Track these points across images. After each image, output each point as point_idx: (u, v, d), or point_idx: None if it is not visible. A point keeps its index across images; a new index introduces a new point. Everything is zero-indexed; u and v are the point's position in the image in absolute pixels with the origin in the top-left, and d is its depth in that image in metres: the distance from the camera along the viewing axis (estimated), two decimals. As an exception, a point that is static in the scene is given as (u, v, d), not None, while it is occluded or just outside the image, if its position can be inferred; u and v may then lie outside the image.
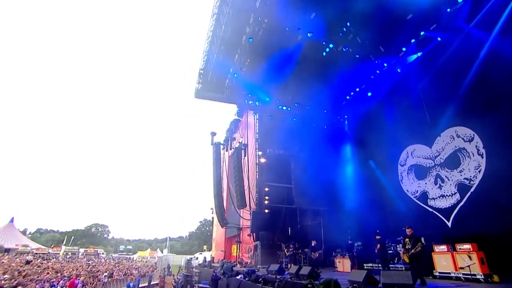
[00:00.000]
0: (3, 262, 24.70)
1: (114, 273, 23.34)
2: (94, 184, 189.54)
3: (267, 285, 9.71)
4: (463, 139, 12.31)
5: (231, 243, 24.37)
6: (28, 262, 24.99)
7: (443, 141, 13.20)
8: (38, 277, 14.47)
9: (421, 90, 13.97)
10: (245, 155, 20.18)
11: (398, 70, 15.24)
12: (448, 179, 12.84)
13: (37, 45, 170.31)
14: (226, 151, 22.50)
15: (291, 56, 15.15)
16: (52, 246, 61.07)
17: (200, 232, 74.72)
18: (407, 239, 8.24)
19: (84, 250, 57.83)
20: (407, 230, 8.42)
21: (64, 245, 60.42)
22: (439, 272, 9.17)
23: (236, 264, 18.03)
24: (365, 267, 11.80)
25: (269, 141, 20.21)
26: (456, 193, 12.36)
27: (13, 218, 65.67)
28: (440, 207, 12.99)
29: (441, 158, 13.26)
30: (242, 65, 16.58)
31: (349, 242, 12.62)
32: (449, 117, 12.79)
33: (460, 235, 10.55)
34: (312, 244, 13.89)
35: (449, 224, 12.40)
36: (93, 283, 16.20)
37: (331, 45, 14.94)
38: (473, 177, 11.69)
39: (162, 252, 56.21)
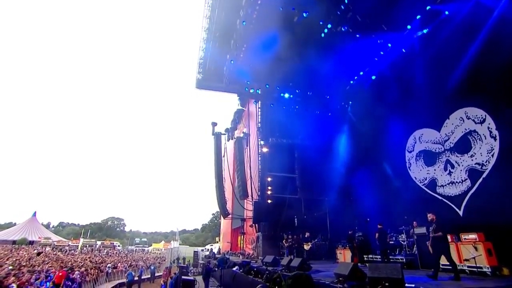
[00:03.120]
0: (18, 254, 25.66)
1: (119, 264, 23.71)
2: (113, 178, 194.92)
3: (258, 277, 9.33)
4: (473, 120, 11.29)
5: (236, 234, 24.17)
6: (38, 254, 25.77)
7: (452, 124, 12.18)
8: (41, 268, 14.71)
9: (427, 69, 12.96)
10: (247, 145, 19.72)
11: (403, 50, 14.17)
12: (459, 165, 11.86)
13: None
14: (228, 141, 22.12)
15: (288, 39, 14.35)
16: (71, 239, 63.26)
17: (213, 224, 75.31)
18: (431, 227, 7.56)
19: (101, 243, 59.46)
20: (428, 215, 7.74)
21: (82, 237, 62.45)
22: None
23: (239, 255, 17.77)
24: (365, 259, 11.20)
25: (271, 130, 19.67)
26: (466, 179, 11.39)
27: (35, 212, 68.71)
28: (449, 194, 12.05)
29: (450, 143, 12.27)
30: (239, 51, 15.96)
31: (350, 232, 11.96)
32: (458, 98, 11.79)
33: (473, 224, 9.62)
34: (306, 236, 13.32)
35: (461, 212, 11.46)
36: (94, 274, 16.40)
37: (329, 25, 14.03)
38: (486, 162, 10.69)
39: (171, 244, 56.91)
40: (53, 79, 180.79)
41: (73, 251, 41.80)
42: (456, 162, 11.95)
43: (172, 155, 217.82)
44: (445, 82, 12.24)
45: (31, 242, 55.25)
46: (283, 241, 15.03)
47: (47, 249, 37.70)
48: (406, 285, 5.73)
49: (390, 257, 10.37)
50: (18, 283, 10.52)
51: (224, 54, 16.67)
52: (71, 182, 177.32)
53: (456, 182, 11.80)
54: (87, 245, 53.49)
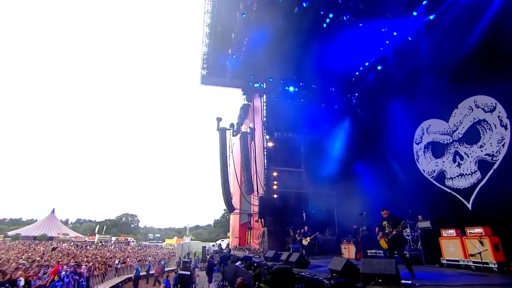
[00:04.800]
0: (34, 249, 26.59)
1: (128, 260, 24.15)
2: (130, 175, 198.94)
3: (257, 271, 9.25)
4: (483, 109, 10.74)
5: (244, 229, 24.16)
6: (53, 249, 26.60)
7: (461, 114, 11.64)
8: (49, 263, 15.14)
9: (434, 58, 12.44)
10: (252, 140, 19.59)
11: (409, 39, 13.63)
12: (468, 156, 11.35)
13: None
14: (234, 136, 22.04)
15: (290, 31, 14.06)
16: (88, 235, 64.98)
17: (224, 219, 75.39)
18: (385, 222, 7.10)
19: (116, 239, 60.85)
20: (382, 212, 7.30)
21: (97, 233, 64.07)
22: (447, 260, 8.10)
23: (245, 250, 17.75)
24: (369, 254, 10.92)
25: (276, 124, 19.46)
26: (476, 171, 10.87)
27: (54, 209, 70.66)
28: (458, 187, 11.56)
29: (459, 133, 11.75)
30: (240, 45, 15.73)
31: (354, 227, 11.70)
32: (467, 86, 11.22)
33: (482, 218, 9.19)
34: (305, 230, 13.04)
35: (469, 206, 10.99)
36: (101, 269, 16.74)
37: (330, 15, 13.61)
38: (496, 153, 10.17)
39: (183, 239, 57.63)
40: (54, 79, 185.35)
41: (88, 246, 42.84)
42: (465, 153, 11.45)
43: (186, 152, 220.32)
44: (453, 70, 11.72)
45: (51, 238, 57.18)
46: (296, 236, 14.71)
47: (64, 245, 38.88)
48: (403, 281, 5.50)
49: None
50: (25, 276, 10.79)
51: (226, 48, 16.52)
52: (88, 179, 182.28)
53: (466, 174, 11.32)
54: (103, 241, 54.98)
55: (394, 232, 6.65)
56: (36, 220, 74.92)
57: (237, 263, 12.33)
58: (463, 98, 11.45)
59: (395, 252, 6.90)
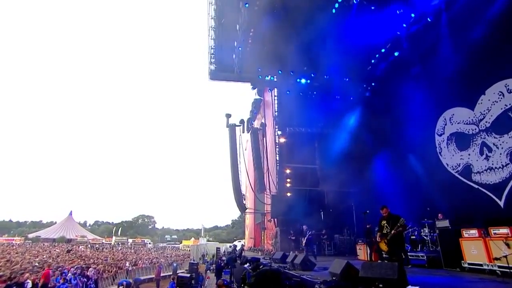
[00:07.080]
0: (50, 251, 27.42)
1: (140, 262, 24.18)
2: (146, 176, 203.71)
3: (243, 274, 8.74)
4: (516, 94, 9.50)
5: (259, 229, 23.59)
6: (68, 251, 27.42)
7: (489, 100, 10.40)
8: (58, 264, 15.30)
9: (456, 38, 11.26)
10: (263, 136, 18.97)
11: (429, 20, 12.45)
12: (497, 147, 10.12)
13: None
14: (247, 132, 21.48)
15: (297, 19, 13.31)
16: (105, 237, 66.60)
17: (242, 219, 74.79)
18: (383, 222, 6.29)
19: (132, 240, 61.90)
20: (382, 211, 6.48)
21: (114, 235, 65.47)
22: (469, 263, 7.08)
23: (258, 251, 17.19)
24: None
25: (289, 119, 18.69)
26: (508, 164, 9.66)
27: (71, 211, 73.07)
28: (487, 182, 10.36)
29: (486, 122, 10.52)
30: (246, 37, 15.17)
31: (367, 226, 10.78)
32: (495, 68, 10.04)
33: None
34: (303, 229, 12.24)
35: (502, 203, 9.77)
36: (111, 272, 16.75)
37: (339, -1, 12.74)
38: (532, 143, 8.96)
39: (199, 240, 57.52)
40: (64, 81, 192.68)
41: (105, 249, 43.34)
42: (494, 144, 10.23)
43: (205, 151, 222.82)
44: (479, 52, 10.51)
45: (69, 240, 58.99)
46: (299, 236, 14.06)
47: (80, 247, 39.81)
48: (409, 286, 4.75)
49: (412, 253, 9.11)
50: (33, 279, 10.83)
51: (232, 41, 16.00)
52: (105, 181, 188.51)
53: (496, 167, 10.10)
54: (120, 243, 56.03)
55: (392, 232, 5.84)
56: (55, 223, 77.32)
57: (246, 265, 11.90)
58: (492, 83, 10.26)
59: (396, 254, 6.11)
